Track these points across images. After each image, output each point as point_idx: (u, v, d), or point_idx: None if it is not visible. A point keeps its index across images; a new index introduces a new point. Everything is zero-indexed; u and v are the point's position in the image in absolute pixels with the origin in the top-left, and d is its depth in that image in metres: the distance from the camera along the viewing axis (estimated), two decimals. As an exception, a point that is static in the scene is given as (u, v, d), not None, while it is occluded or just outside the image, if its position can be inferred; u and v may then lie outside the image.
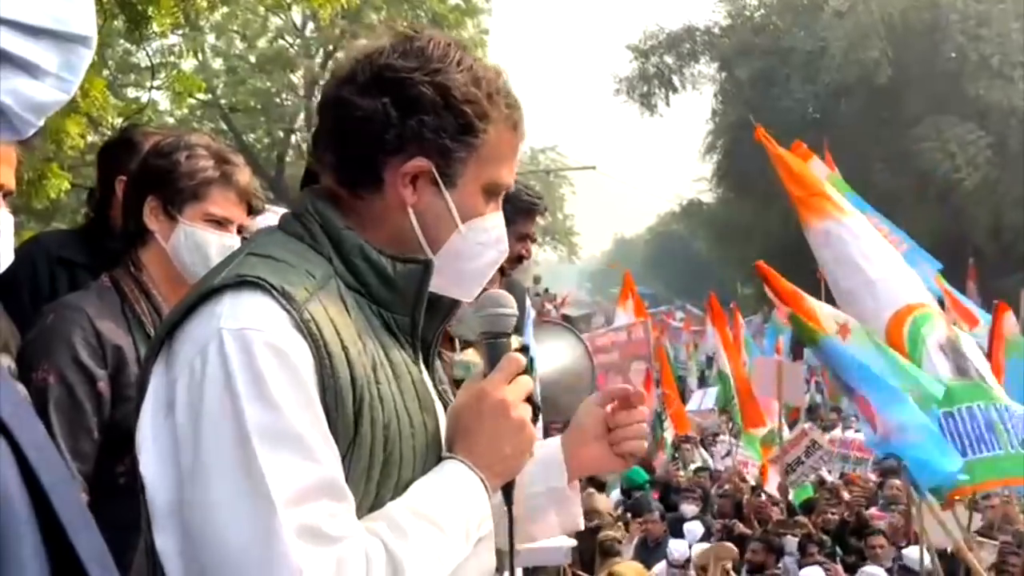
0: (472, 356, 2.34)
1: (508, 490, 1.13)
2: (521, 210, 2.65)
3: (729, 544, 6.37)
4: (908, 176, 22.95)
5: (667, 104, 29.64)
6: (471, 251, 1.14)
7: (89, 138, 8.32)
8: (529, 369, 3.03)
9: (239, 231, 1.80)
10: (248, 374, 0.94)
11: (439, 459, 1.09)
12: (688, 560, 6.62)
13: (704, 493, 8.52)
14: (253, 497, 0.91)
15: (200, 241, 1.75)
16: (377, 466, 1.02)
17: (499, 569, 1.16)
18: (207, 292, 1.00)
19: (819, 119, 24.47)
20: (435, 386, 1.18)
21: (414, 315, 1.12)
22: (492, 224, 1.16)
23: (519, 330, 2.93)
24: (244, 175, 1.80)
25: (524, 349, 2.76)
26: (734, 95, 28.20)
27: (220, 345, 0.95)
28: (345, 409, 0.99)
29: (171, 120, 15.51)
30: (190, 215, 1.76)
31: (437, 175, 1.09)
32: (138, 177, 1.82)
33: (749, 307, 22.73)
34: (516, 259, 2.62)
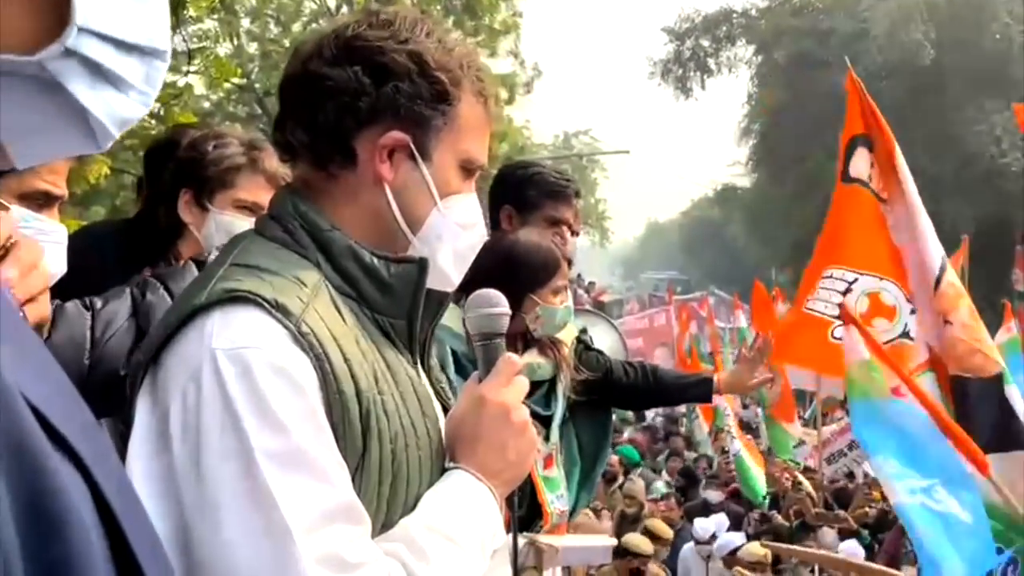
0: (535, 356, 2.31)
1: (511, 498, 1.12)
2: (549, 193, 2.57)
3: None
4: (951, 160, 22.43)
5: (702, 87, 29.26)
6: (451, 232, 1.10)
7: (127, 123, 8.39)
8: (589, 350, 3.01)
9: None
10: (249, 396, 0.87)
11: (443, 469, 1.05)
12: (713, 536, 6.70)
13: (728, 480, 8.48)
14: (267, 529, 0.86)
15: (231, 228, 1.74)
16: (387, 482, 0.98)
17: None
18: (192, 311, 0.92)
19: (859, 102, 24.00)
20: (433, 387, 1.13)
21: (411, 318, 1.07)
22: (470, 203, 1.12)
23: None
24: (272, 160, 1.79)
25: (582, 331, 2.73)
26: (771, 78, 27.74)
27: (215, 367, 0.88)
28: (352, 426, 0.94)
29: (206, 105, 15.67)
30: (220, 203, 1.76)
31: (414, 147, 1.05)
32: (172, 172, 1.83)
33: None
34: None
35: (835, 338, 3.59)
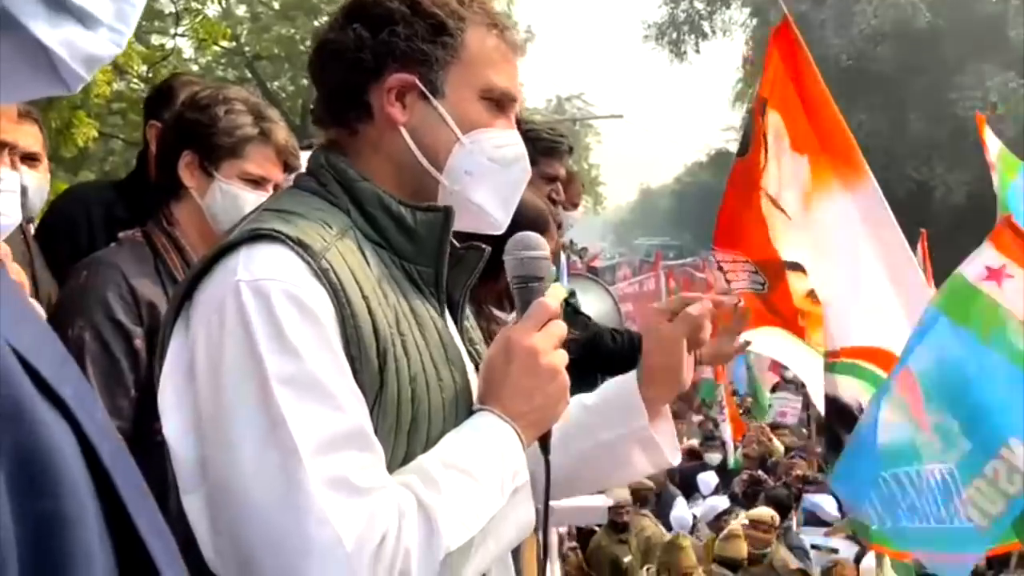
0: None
1: (544, 441, 1.10)
2: (543, 150, 2.57)
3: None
4: (945, 125, 22.36)
5: (697, 51, 29.00)
6: (483, 168, 1.09)
7: (115, 85, 8.31)
8: (577, 313, 2.96)
9: (275, 189, 1.77)
10: (267, 324, 0.91)
11: (469, 413, 1.06)
12: (717, 487, 6.97)
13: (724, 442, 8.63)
14: (277, 447, 0.88)
15: (236, 200, 1.71)
16: (406, 420, 0.99)
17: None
18: (221, 249, 0.98)
19: (854, 66, 23.82)
20: (464, 343, 1.14)
21: (437, 265, 1.09)
22: (504, 138, 1.11)
23: (558, 279, 2.90)
24: (282, 133, 1.76)
25: (570, 295, 2.72)
26: (766, 42, 27.46)
27: (237, 297, 0.93)
28: (369, 360, 0.96)
29: (195, 68, 15.46)
30: (227, 172, 1.72)
31: (421, 85, 1.06)
32: (173, 129, 1.78)
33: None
34: (545, 200, 2.57)
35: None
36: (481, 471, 0.99)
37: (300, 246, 0.96)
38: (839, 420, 2.74)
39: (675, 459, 1.31)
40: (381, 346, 0.97)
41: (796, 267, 2.65)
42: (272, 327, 0.91)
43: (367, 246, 1.04)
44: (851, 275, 2.73)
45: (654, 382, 1.26)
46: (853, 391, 2.76)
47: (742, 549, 5.33)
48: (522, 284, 1.10)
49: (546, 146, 2.61)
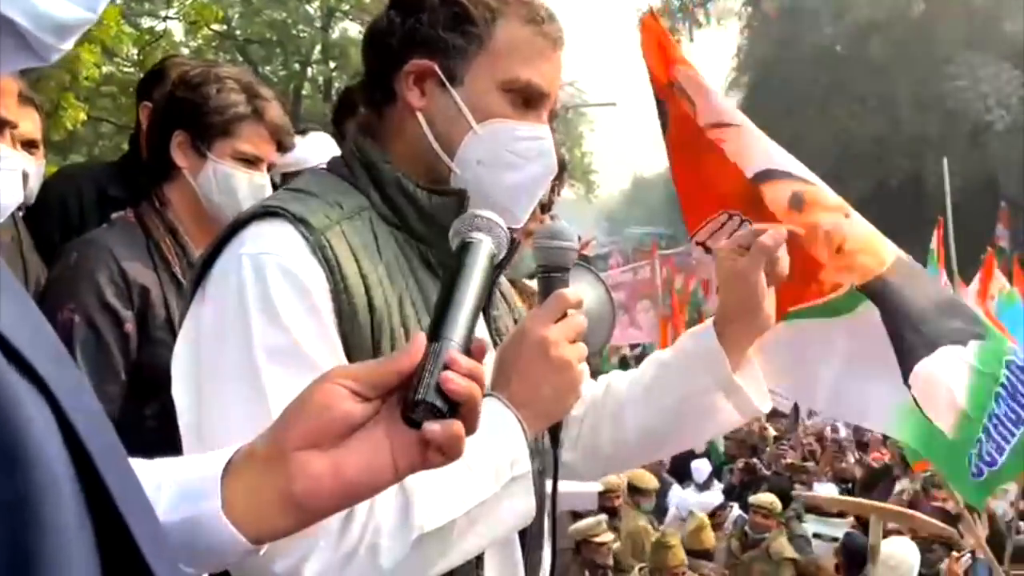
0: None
1: (555, 432, 1.09)
2: None
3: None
4: (938, 116, 22.41)
5: (691, 40, 28.91)
6: (495, 157, 1.09)
7: (104, 68, 8.23)
8: None
9: (269, 169, 1.75)
10: (260, 295, 0.95)
11: None
12: (711, 474, 7.10)
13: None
14: (258, 416, 0.88)
15: (229, 179, 1.69)
16: None
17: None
18: (236, 224, 1.03)
19: (847, 56, 23.81)
20: (490, 332, 1.14)
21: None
22: (527, 132, 1.10)
23: None
24: (275, 111, 1.74)
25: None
26: (760, 30, 27.45)
27: (239, 270, 0.97)
28: (362, 337, 0.98)
29: (186, 51, 15.34)
30: (219, 152, 1.69)
31: (440, 72, 1.07)
32: (165, 109, 1.75)
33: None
34: None
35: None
36: (473, 456, 0.95)
37: (301, 223, 0.99)
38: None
39: (766, 406, 1.28)
40: (376, 320, 0.99)
41: (765, 176, 2.44)
42: (264, 299, 0.95)
43: (383, 228, 1.07)
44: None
45: (733, 323, 1.22)
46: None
47: (708, 539, 5.48)
48: (545, 274, 1.10)
49: None
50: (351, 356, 0.97)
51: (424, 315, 1.04)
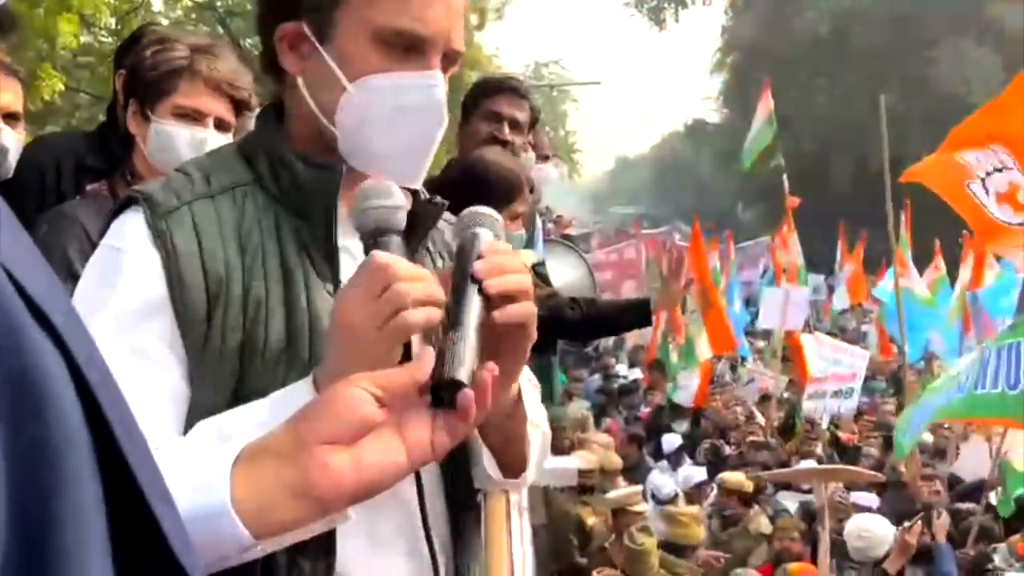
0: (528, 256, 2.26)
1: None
2: (486, 91, 2.55)
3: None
4: (921, 99, 22.51)
5: (676, 20, 28.84)
6: (381, 116, 1.00)
7: (82, 38, 8.08)
8: (547, 283, 2.90)
9: (223, 127, 1.69)
10: (99, 283, 1.00)
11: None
12: (681, 447, 7.23)
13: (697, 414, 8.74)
14: None
15: (170, 137, 1.64)
16: (231, 378, 0.97)
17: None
18: (115, 209, 1.05)
19: (832, 39, 23.82)
20: None
21: (328, 225, 1.02)
22: (407, 82, 1.00)
23: (531, 245, 2.84)
24: (214, 63, 1.66)
25: (539, 264, 2.69)
26: (745, 11, 27.38)
27: (92, 259, 1.04)
28: (195, 315, 0.97)
29: (165, 22, 15.08)
30: (161, 112, 1.65)
31: (309, 32, 1.01)
32: (125, 81, 1.75)
33: (750, 230, 22.62)
34: (489, 139, 2.44)
35: (969, 190, 4.18)
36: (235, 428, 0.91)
37: (150, 206, 1.00)
38: None
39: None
40: (211, 296, 0.98)
41: None
42: (101, 288, 0.99)
43: (260, 203, 1.02)
44: None
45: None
46: None
47: (695, 535, 5.31)
48: (371, 241, 0.94)
49: (491, 86, 2.58)
50: (183, 326, 0.97)
51: (276, 287, 0.99)
